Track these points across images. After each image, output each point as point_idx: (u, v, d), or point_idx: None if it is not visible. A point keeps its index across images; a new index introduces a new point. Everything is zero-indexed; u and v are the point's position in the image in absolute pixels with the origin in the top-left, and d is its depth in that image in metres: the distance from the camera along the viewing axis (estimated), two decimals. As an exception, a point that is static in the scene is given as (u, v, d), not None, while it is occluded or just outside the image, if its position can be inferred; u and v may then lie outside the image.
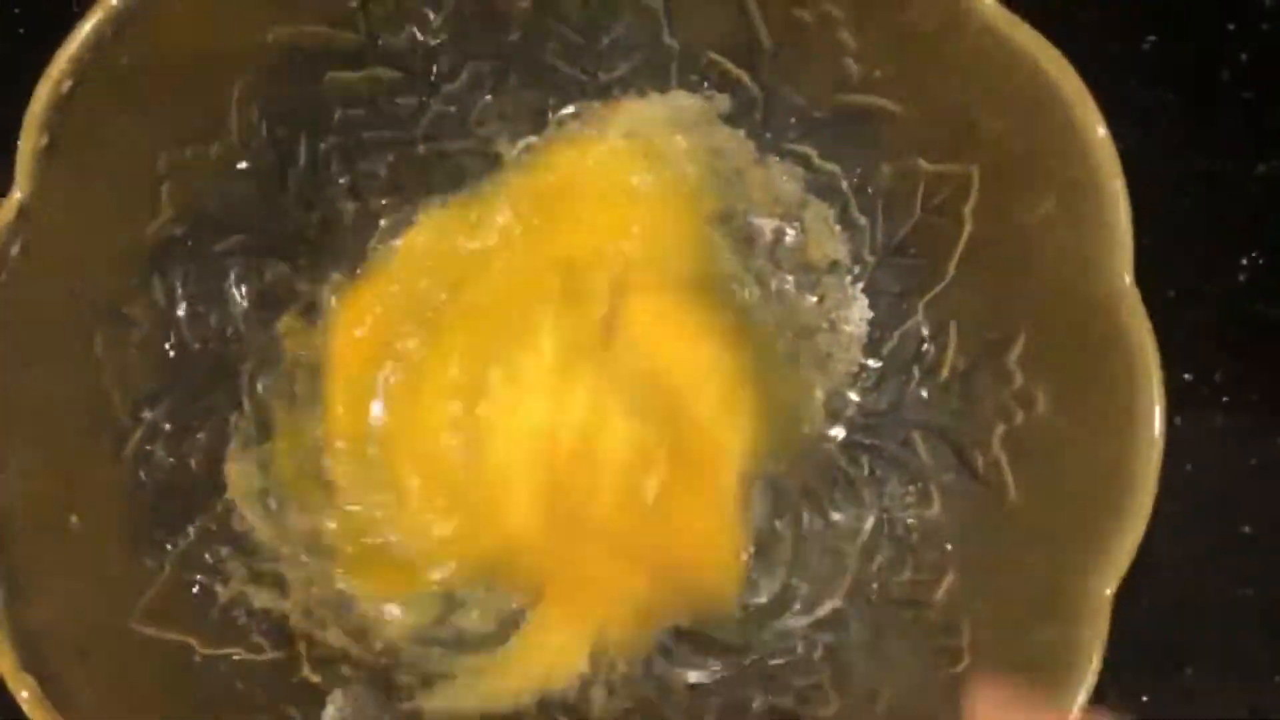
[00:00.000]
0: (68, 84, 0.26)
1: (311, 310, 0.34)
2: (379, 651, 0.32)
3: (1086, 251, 0.25)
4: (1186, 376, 0.35)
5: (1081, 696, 0.24)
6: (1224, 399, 0.35)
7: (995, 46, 0.26)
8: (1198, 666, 0.33)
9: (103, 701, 0.26)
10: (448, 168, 0.34)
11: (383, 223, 0.34)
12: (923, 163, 0.29)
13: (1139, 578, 0.34)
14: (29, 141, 0.26)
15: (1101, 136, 0.25)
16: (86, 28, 0.26)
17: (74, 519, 0.28)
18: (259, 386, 0.33)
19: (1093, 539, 0.25)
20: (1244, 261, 0.35)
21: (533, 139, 0.34)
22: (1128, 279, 0.24)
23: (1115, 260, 0.25)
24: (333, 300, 0.33)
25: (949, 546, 0.29)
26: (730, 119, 0.32)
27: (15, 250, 0.26)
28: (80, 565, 0.28)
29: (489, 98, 0.33)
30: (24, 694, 0.25)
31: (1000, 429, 0.28)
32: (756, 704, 0.30)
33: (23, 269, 0.27)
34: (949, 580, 0.29)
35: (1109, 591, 0.24)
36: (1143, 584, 0.34)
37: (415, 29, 0.32)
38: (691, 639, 0.31)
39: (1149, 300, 0.35)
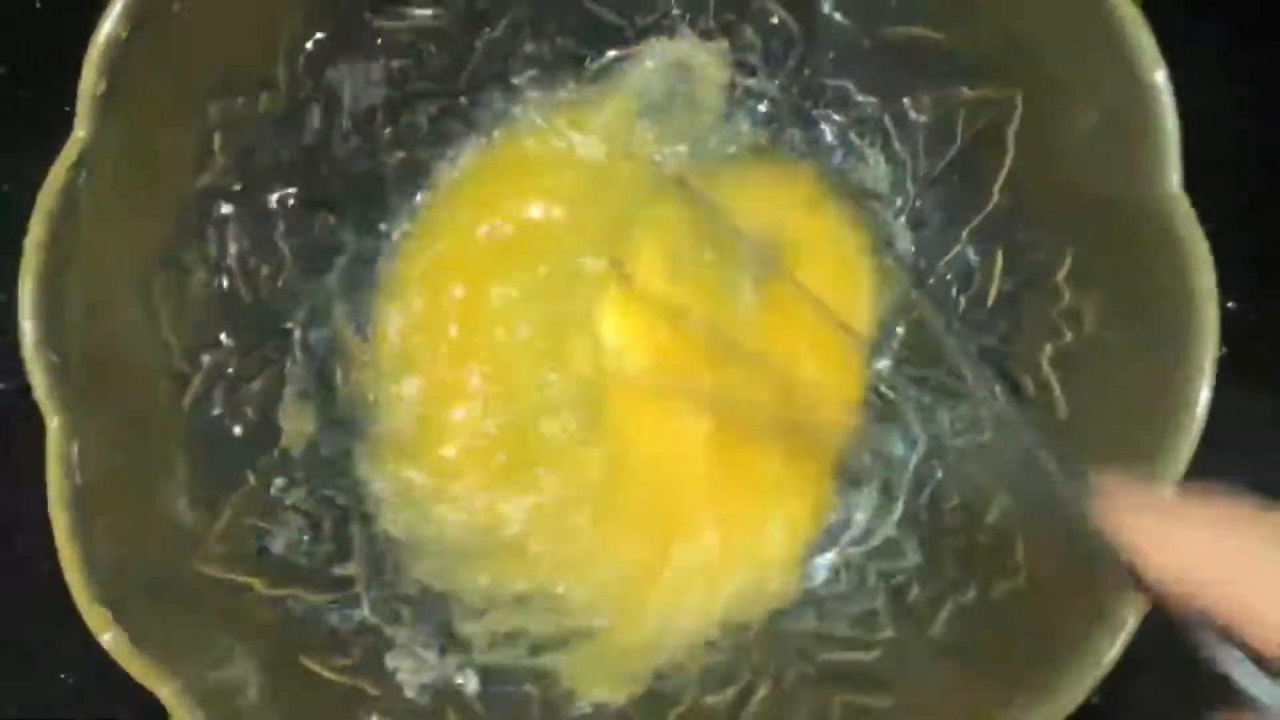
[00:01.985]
0: (123, 31, 0.27)
1: (362, 263, 0.34)
2: (438, 599, 0.32)
3: (1134, 160, 0.25)
4: (1230, 305, 0.35)
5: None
6: (1272, 328, 0.34)
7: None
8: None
9: (170, 637, 0.27)
10: (490, 118, 0.34)
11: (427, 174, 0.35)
12: (964, 90, 0.30)
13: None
14: (88, 84, 0.27)
15: (1146, 36, 0.24)
16: (141, -24, 0.27)
17: (139, 465, 0.29)
18: (310, 337, 0.34)
19: (1143, 453, 0.25)
20: (1292, 190, 0.35)
21: (572, 86, 0.34)
22: (1176, 182, 0.24)
23: (1164, 165, 0.25)
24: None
25: (1000, 469, 0.29)
26: (767, 59, 0.33)
27: (76, 189, 0.27)
28: (145, 510, 0.28)
29: (529, 46, 0.34)
30: (106, 636, 0.25)
31: (1049, 349, 0.28)
32: (811, 631, 0.30)
33: (84, 210, 0.27)
34: (1000, 502, 0.29)
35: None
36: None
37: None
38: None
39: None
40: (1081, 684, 0.24)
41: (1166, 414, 0.25)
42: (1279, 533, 0.18)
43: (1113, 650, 0.24)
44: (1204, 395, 0.24)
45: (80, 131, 0.26)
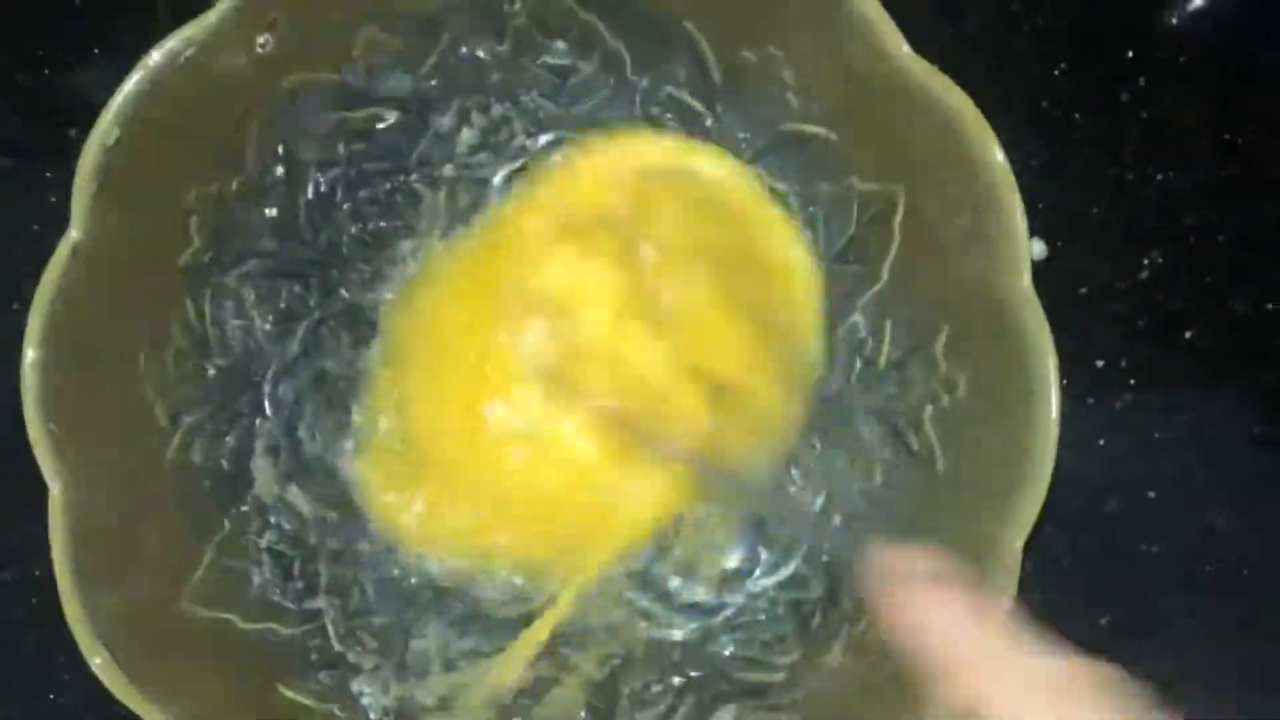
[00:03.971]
0: (114, 135, 0.30)
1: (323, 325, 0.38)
2: (397, 628, 0.36)
3: (993, 259, 0.29)
4: (1099, 363, 0.40)
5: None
6: (1131, 381, 0.39)
7: (912, 88, 0.30)
8: (1112, 614, 0.38)
9: (161, 669, 0.30)
10: (440, 193, 0.38)
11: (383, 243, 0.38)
12: (857, 182, 0.34)
13: (1059, 536, 0.39)
14: (82, 188, 0.30)
15: (1002, 167, 0.29)
16: (129, 86, 0.30)
17: (129, 513, 0.32)
18: (278, 393, 0.37)
19: (1004, 502, 0.29)
20: (1146, 260, 0.40)
21: (514, 166, 0.38)
22: (1026, 282, 0.29)
23: (1016, 267, 0.29)
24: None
25: (888, 513, 0.33)
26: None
27: (71, 282, 0.30)
28: (135, 554, 0.32)
29: (474, 131, 0.37)
30: (97, 661, 0.29)
31: (929, 410, 0.33)
32: (728, 653, 0.34)
33: (77, 297, 0.31)
34: (889, 542, 0.33)
35: (1018, 544, 0.29)
36: (1062, 542, 0.39)
37: (409, 73, 0.36)
38: (673, 602, 0.36)
39: (1064, 296, 0.40)
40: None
41: (1021, 470, 0.29)
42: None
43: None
44: (1049, 456, 0.29)
45: (75, 232, 0.30)
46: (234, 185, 0.35)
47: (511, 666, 0.35)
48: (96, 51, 0.42)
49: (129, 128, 0.31)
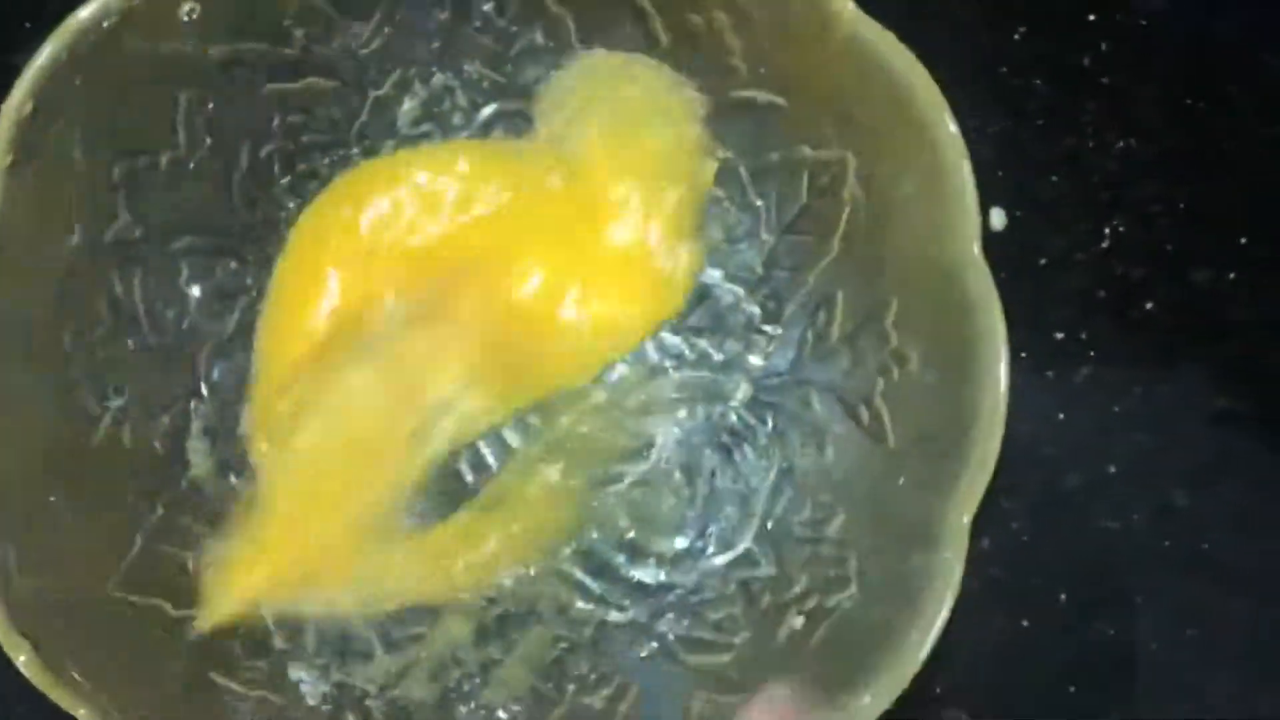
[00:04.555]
0: (29, 106, 0.29)
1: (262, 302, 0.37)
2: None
3: (942, 227, 0.29)
4: (1058, 335, 0.39)
5: (945, 609, 0.28)
6: (1091, 354, 0.39)
7: (860, 50, 0.29)
8: (1071, 590, 0.38)
9: (88, 659, 0.29)
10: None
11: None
12: (806, 150, 0.33)
13: (1018, 512, 0.38)
14: (-4, 160, 0.29)
15: (950, 128, 0.28)
16: (44, 53, 0.29)
17: (52, 499, 0.31)
18: (215, 374, 0.36)
19: (952, 476, 0.28)
20: (1106, 230, 0.39)
21: (459, 138, 0.37)
22: (976, 250, 0.28)
23: (965, 234, 0.28)
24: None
25: (839, 489, 0.33)
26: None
27: (-12, 255, 0.29)
28: (62, 541, 0.31)
29: (415, 102, 0.36)
30: (21, 658, 0.28)
31: (881, 384, 0.32)
32: (677, 634, 0.34)
33: (-3, 275, 0.30)
34: (839, 518, 0.32)
35: (966, 519, 0.28)
36: (1021, 516, 0.38)
37: (346, 41, 0.35)
38: (622, 583, 0.35)
39: (1023, 268, 0.39)
40: (897, 682, 0.28)
41: (968, 443, 0.29)
42: None
43: (923, 650, 0.28)
44: (996, 428, 0.28)
45: (-11, 204, 0.29)
46: (163, 160, 0.34)
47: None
48: (29, 26, 0.41)
49: (47, 100, 0.30)
